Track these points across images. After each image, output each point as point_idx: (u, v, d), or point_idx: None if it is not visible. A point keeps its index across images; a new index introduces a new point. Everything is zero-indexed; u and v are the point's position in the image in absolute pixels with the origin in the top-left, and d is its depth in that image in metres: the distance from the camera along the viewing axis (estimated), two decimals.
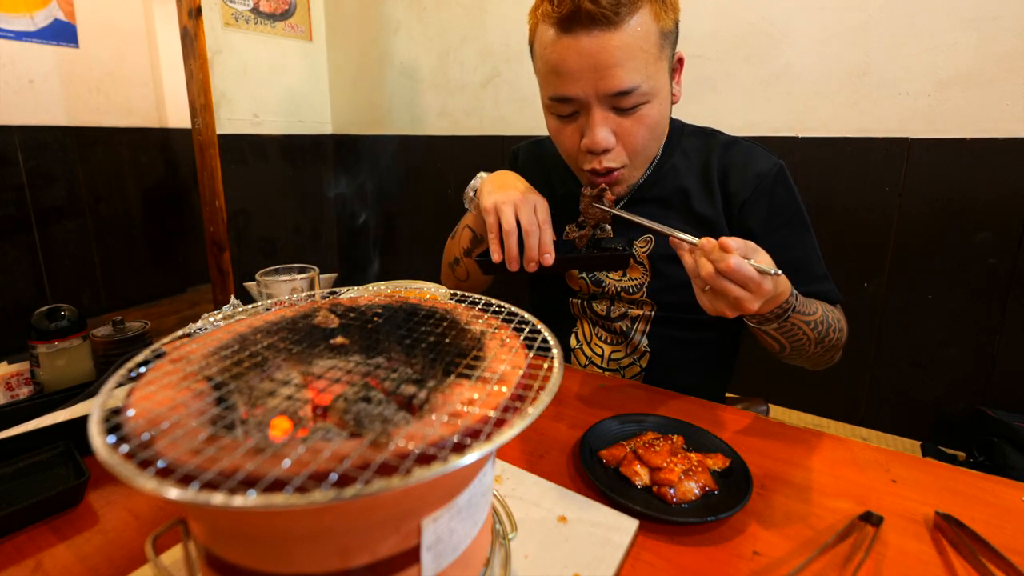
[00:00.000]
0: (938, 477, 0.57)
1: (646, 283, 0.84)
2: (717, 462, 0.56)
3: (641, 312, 0.86)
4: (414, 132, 2.71)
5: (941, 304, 1.63)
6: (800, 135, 1.75)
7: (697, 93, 1.87)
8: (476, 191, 0.83)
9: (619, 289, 0.86)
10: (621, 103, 0.70)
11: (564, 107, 0.73)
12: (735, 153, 0.83)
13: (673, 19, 0.71)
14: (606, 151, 0.73)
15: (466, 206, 0.87)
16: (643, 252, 0.83)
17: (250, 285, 0.84)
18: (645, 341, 0.86)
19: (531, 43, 0.77)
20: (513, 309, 0.46)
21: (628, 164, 0.77)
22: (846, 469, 0.59)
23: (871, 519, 0.49)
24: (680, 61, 0.77)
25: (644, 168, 0.82)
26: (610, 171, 0.76)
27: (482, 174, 0.86)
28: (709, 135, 0.86)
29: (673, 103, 0.78)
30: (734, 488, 0.53)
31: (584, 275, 0.88)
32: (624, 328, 0.87)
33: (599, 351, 0.89)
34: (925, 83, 1.56)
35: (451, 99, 2.55)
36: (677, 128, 0.86)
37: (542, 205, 0.73)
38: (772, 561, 0.46)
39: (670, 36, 0.72)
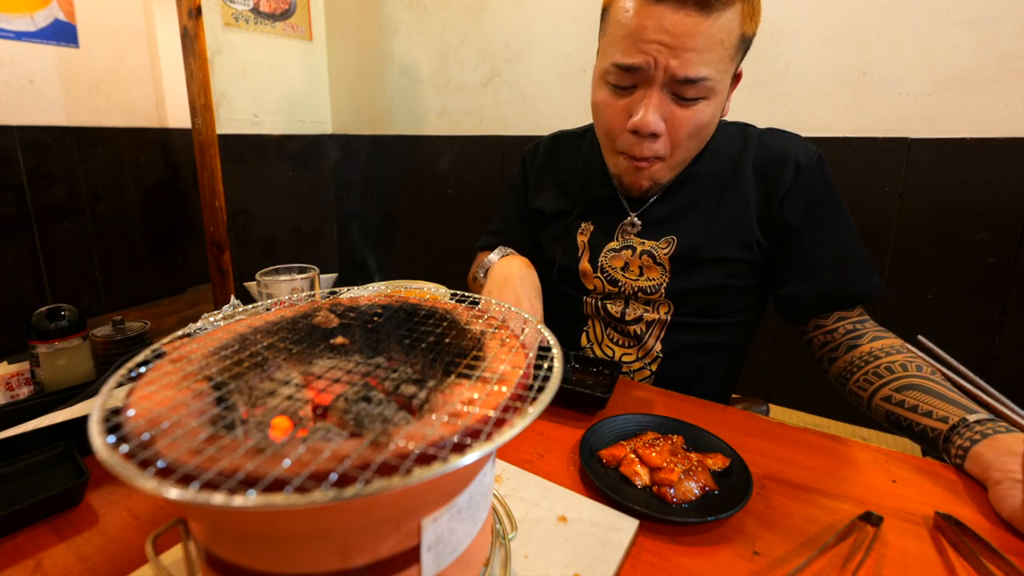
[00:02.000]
0: (938, 477, 0.57)
1: (664, 283, 0.82)
2: (717, 462, 0.56)
3: (657, 316, 0.84)
4: (414, 132, 2.71)
5: (941, 304, 1.63)
6: (800, 135, 1.74)
7: None
8: (487, 272, 0.84)
9: (636, 289, 0.84)
10: (684, 91, 0.68)
11: (625, 78, 0.71)
12: (771, 144, 0.81)
13: (754, 29, 0.70)
14: (653, 135, 0.71)
15: (478, 280, 0.90)
16: (664, 254, 0.81)
17: (250, 285, 0.84)
18: (659, 346, 0.84)
19: (606, 7, 0.74)
20: (514, 309, 0.46)
21: (666, 159, 0.75)
22: (846, 469, 0.59)
23: (871, 519, 0.49)
24: (738, 76, 0.76)
25: (678, 170, 0.80)
26: (647, 159, 0.74)
27: (493, 257, 0.86)
28: (741, 127, 0.85)
29: (722, 116, 0.77)
30: (734, 488, 0.53)
31: (599, 274, 0.86)
32: (638, 332, 0.85)
33: (610, 353, 0.87)
34: (925, 83, 1.56)
35: (451, 99, 2.55)
36: None
37: (530, 325, 0.72)
38: (772, 561, 0.46)
39: (746, 43, 0.71)
